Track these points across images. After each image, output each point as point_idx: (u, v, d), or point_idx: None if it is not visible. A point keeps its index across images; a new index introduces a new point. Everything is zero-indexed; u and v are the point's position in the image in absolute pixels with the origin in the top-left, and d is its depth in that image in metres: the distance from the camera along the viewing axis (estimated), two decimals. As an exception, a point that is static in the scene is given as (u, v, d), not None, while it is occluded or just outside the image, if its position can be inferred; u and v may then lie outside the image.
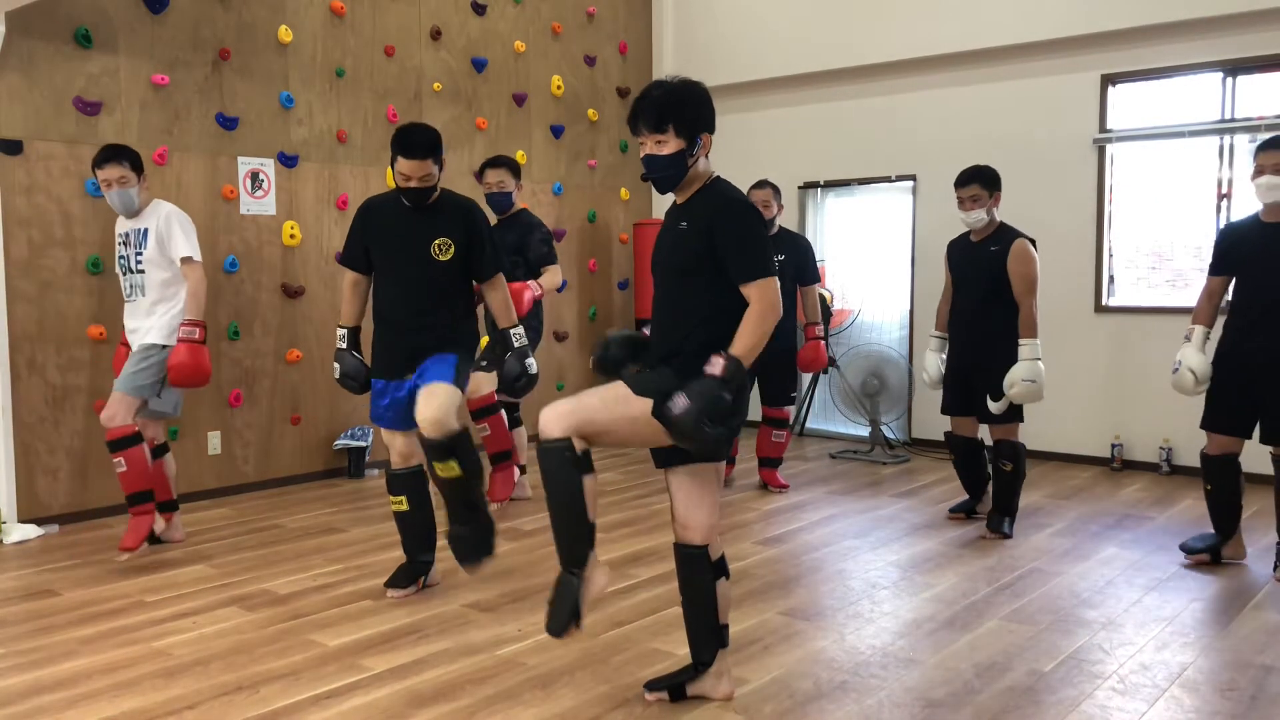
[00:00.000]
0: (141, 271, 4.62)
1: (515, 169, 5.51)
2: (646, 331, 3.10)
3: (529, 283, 5.25)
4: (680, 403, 2.68)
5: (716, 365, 2.70)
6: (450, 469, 3.84)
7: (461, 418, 3.94)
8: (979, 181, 4.86)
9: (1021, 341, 4.75)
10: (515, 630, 3.70)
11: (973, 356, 4.92)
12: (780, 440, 5.93)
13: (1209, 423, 4.41)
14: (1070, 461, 6.77)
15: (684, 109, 2.83)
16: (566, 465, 2.75)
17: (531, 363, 4.20)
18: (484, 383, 5.15)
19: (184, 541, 4.91)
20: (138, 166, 4.61)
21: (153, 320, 4.61)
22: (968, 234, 5.03)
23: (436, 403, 3.80)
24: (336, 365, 4.15)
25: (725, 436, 2.77)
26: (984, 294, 4.87)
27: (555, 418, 2.77)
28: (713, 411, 2.66)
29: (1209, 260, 4.54)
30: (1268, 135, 4.56)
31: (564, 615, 2.80)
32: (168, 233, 4.60)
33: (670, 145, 2.82)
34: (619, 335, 3.11)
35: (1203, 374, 4.34)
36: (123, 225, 4.72)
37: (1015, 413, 4.88)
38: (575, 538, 2.81)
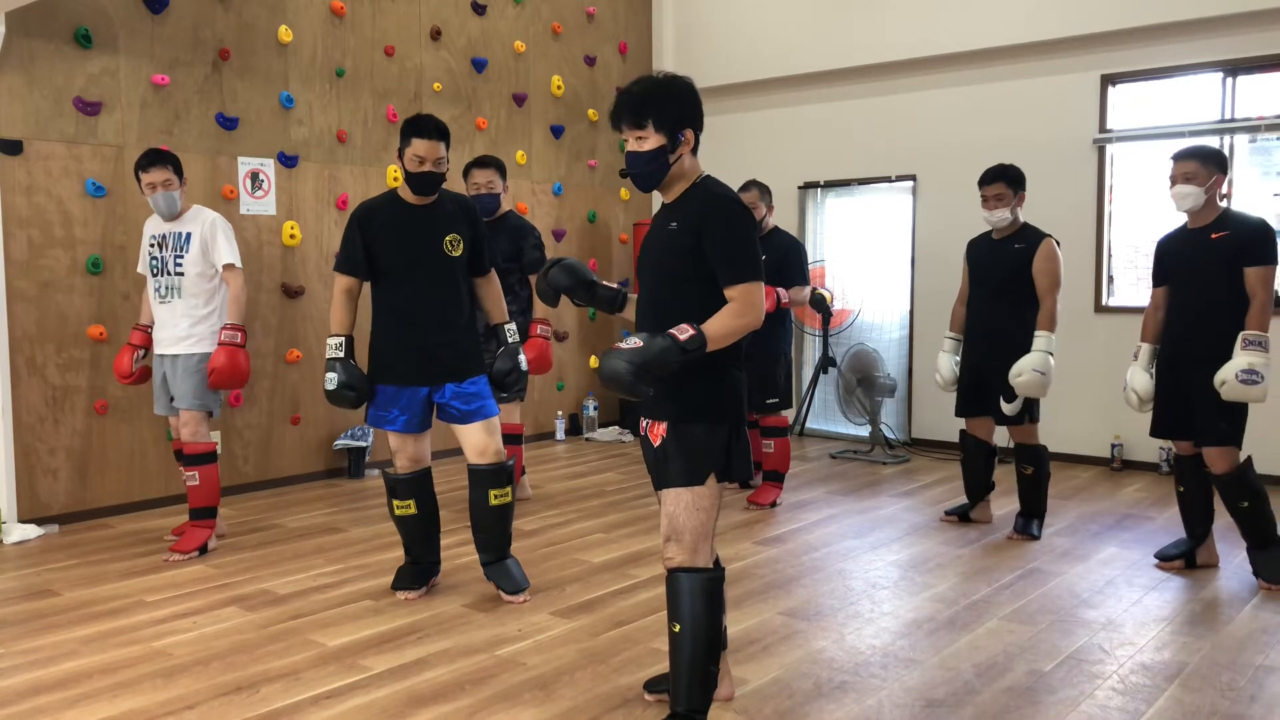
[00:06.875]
0: (181, 274, 4.68)
1: (503, 169, 5.40)
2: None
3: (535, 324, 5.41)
4: (629, 343, 2.59)
5: (684, 331, 2.59)
6: (506, 495, 4.00)
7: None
8: (1004, 180, 4.79)
9: (1037, 333, 4.70)
10: (515, 630, 3.70)
11: (990, 356, 4.85)
12: (769, 450, 5.55)
13: (1156, 430, 4.39)
14: (1070, 461, 6.76)
15: (665, 104, 2.73)
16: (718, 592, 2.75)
17: (523, 359, 4.20)
18: None
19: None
20: (179, 170, 4.69)
21: (200, 329, 4.69)
22: (989, 233, 4.99)
23: (497, 434, 4.02)
24: (334, 375, 3.86)
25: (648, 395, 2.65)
26: (1003, 292, 4.82)
27: (690, 543, 2.72)
28: (653, 365, 2.56)
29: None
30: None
31: None
32: (212, 239, 4.68)
33: (650, 141, 2.73)
34: (563, 261, 3.01)
35: (1145, 394, 4.35)
36: (157, 227, 4.76)
37: (1030, 413, 4.84)
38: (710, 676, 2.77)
